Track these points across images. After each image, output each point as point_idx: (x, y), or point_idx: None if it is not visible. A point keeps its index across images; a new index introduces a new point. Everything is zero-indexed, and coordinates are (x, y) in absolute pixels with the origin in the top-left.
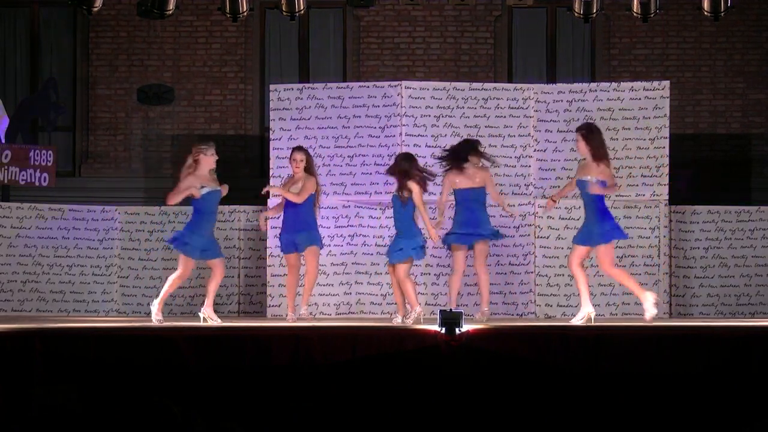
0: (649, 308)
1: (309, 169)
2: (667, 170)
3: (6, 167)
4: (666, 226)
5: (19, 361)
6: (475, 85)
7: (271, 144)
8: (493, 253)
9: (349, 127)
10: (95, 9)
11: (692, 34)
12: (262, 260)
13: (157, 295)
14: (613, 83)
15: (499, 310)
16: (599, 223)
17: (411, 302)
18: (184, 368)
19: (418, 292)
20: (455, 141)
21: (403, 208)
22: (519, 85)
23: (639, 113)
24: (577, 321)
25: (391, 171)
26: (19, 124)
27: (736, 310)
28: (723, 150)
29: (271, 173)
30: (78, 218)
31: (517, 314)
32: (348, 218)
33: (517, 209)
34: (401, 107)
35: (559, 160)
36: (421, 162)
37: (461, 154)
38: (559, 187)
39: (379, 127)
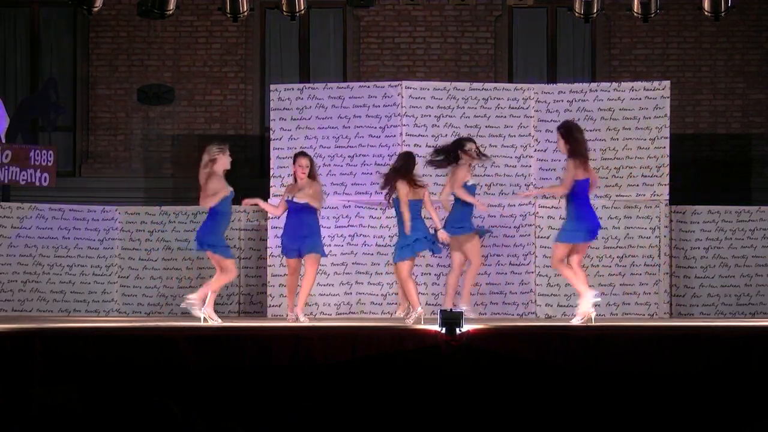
0: (584, 306)
1: (312, 174)
2: (667, 170)
3: (6, 167)
4: (666, 226)
5: (19, 361)
6: (475, 85)
7: (272, 144)
8: (493, 253)
9: (349, 127)
10: (95, 9)
11: (693, 34)
12: (262, 260)
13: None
14: (613, 83)
15: (499, 310)
16: (566, 221)
17: (412, 303)
18: (184, 368)
19: (419, 293)
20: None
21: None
22: (519, 85)
23: (639, 113)
24: (577, 321)
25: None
26: (20, 124)
27: (737, 310)
28: (723, 150)
29: (271, 173)
30: (78, 218)
31: (518, 314)
32: (348, 218)
33: (519, 209)
34: (402, 107)
35: (559, 160)
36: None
37: (452, 153)
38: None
39: (380, 127)
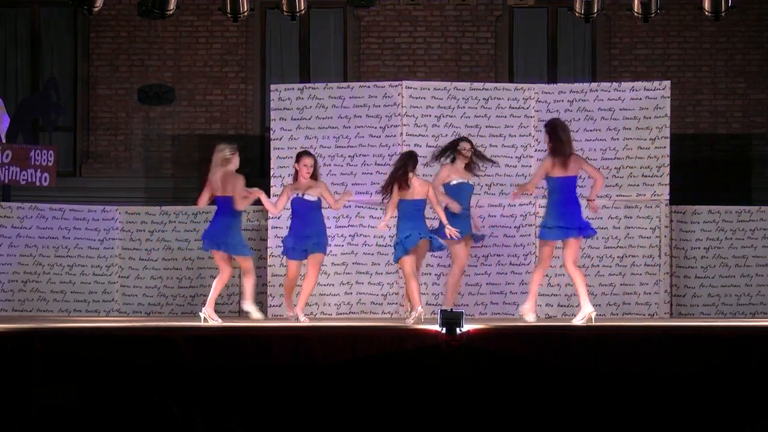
0: (526, 312)
1: (315, 174)
2: (668, 170)
3: (7, 167)
4: (667, 226)
5: (19, 361)
6: (476, 85)
7: (272, 144)
8: (493, 253)
9: (349, 127)
10: (96, 9)
11: (693, 34)
12: (262, 260)
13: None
14: (613, 83)
15: (499, 310)
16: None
17: (413, 302)
18: (184, 368)
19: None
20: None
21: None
22: (520, 85)
23: (640, 113)
24: (578, 321)
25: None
26: (20, 124)
27: (737, 310)
28: (723, 150)
29: (271, 173)
30: (79, 218)
31: (518, 314)
32: (349, 218)
33: (519, 209)
34: (402, 107)
35: None
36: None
37: (449, 153)
38: None
39: (380, 127)
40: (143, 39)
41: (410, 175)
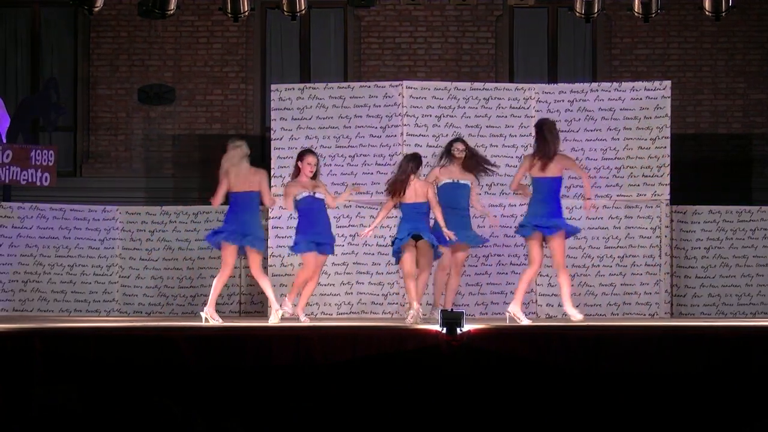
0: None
1: (317, 174)
2: (668, 170)
3: (7, 167)
4: (667, 226)
5: (19, 361)
6: (476, 85)
7: (273, 144)
8: (494, 253)
9: (350, 127)
10: (96, 9)
11: (693, 34)
12: (263, 260)
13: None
14: (614, 83)
15: (500, 309)
16: None
17: (409, 299)
18: (184, 368)
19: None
20: None
21: None
22: (520, 85)
23: (640, 113)
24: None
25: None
26: (20, 124)
27: (738, 310)
28: (724, 150)
29: (272, 173)
30: (79, 218)
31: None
32: (349, 218)
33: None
34: (402, 107)
35: None
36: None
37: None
38: None
39: (381, 127)
40: (143, 39)
41: (411, 178)
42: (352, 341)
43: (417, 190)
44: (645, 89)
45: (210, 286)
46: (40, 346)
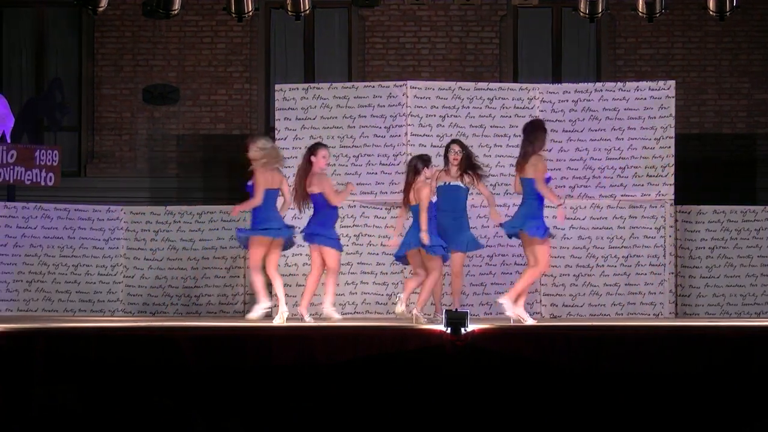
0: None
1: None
2: (672, 170)
3: (12, 167)
4: (671, 226)
5: (20, 361)
6: (480, 84)
7: (277, 144)
8: (498, 253)
9: (354, 127)
10: (100, 9)
11: (697, 33)
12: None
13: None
14: (618, 83)
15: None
16: None
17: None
18: (187, 368)
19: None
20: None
21: None
22: (524, 85)
23: (644, 113)
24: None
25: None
26: (25, 124)
27: (742, 309)
28: (728, 150)
29: None
30: (83, 218)
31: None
32: (353, 218)
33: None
34: (406, 107)
35: (564, 160)
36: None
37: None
38: (564, 186)
39: (385, 127)
40: (148, 39)
41: (417, 180)
42: (357, 341)
43: (417, 192)
44: (649, 89)
45: (213, 285)
46: (42, 345)
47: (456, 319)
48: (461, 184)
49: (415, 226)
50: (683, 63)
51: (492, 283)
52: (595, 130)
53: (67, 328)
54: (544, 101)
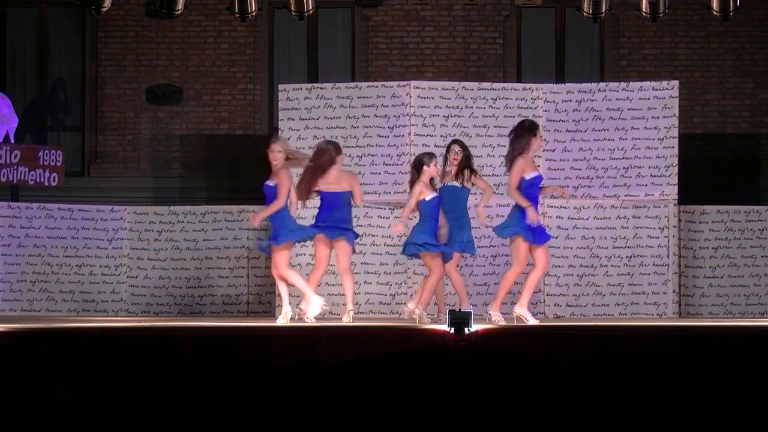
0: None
1: None
2: (676, 170)
3: (15, 167)
4: (675, 226)
5: (20, 361)
6: (483, 84)
7: None
8: (501, 253)
9: (357, 127)
10: (104, 9)
11: (701, 34)
12: (271, 260)
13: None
14: (622, 83)
15: (508, 310)
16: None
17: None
18: (189, 369)
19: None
20: (465, 141)
21: None
22: (528, 85)
23: (648, 113)
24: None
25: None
26: (28, 124)
27: (746, 309)
28: (732, 150)
29: None
30: (87, 218)
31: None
32: (357, 218)
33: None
34: (410, 107)
35: (568, 160)
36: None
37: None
38: (567, 186)
39: (388, 127)
40: (151, 39)
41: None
42: (360, 341)
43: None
44: (653, 89)
45: (217, 285)
46: (43, 345)
47: (459, 319)
48: (458, 184)
49: (419, 224)
50: (687, 63)
51: (495, 283)
52: (599, 130)
53: (69, 329)
54: (547, 101)
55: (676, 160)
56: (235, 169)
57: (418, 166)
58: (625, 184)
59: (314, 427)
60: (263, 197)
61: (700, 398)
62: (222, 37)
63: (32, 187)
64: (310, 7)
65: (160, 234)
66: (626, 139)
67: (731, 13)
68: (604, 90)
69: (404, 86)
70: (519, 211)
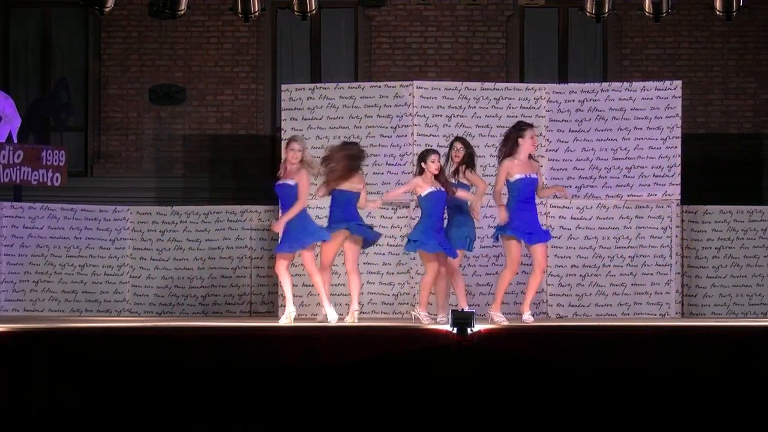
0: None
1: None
2: (679, 170)
3: (18, 167)
4: (678, 226)
5: (21, 361)
6: (486, 84)
7: (283, 144)
8: (504, 254)
9: (360, 127)
10: (107, 9)
11: (704, 33)
12: (274, 260)
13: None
14: (624, 83)
15: (511, 310)
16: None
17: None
18: (192, 369)
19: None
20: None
21: None
22: (531, 85)
23: (651, 113)
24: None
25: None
26: (31, 124)
27: (749, 309)
28: (734, 150)
29: None
30: (90, 218)
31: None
32: None
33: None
34: (413, 107)
35: (570, 160)
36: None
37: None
38: (570, 186)
39: (391, 127)
40: (154, 39)
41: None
42: (362, 341)
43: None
44: (656, 89)
45: (220, 285)
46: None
47: (462, 320)
48: (462, 182)
49: (418, 221)
50: (690, 63)
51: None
52: (602, 130)
53: (70, 329)
54: (550, 101)
55: (679, 160)
56: (238, 169)
57: (418, 161)
58: (628, 184)
59: (316, 427)
60: (275, 197)
61: (703, 398)
62: (225, 37)
63: (35, 187)
64: (313, 7)
65: (162, 234)
66: (629, 139)
67: (734, 13)
68: (607, 90)
69: (407, 86)
70: (513, 212)
